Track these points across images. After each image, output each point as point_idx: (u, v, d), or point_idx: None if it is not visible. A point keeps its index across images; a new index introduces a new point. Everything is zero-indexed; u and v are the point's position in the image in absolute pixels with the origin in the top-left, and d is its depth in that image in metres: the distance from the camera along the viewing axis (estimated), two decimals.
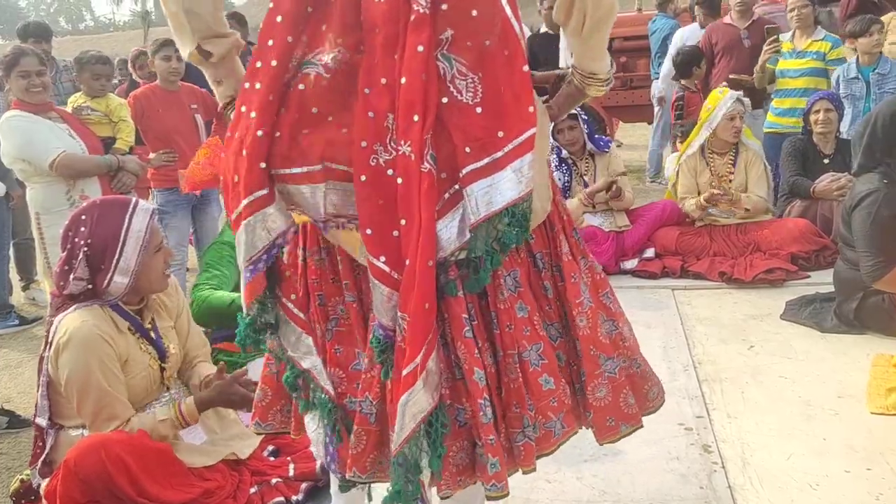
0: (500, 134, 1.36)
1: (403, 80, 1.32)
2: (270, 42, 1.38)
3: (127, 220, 2.19)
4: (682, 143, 5.51)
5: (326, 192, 1.39)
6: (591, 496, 2.27)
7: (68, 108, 4.37)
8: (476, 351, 1.43)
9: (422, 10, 1.31)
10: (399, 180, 1.33)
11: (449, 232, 1.36)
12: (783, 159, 4.65)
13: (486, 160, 1.35)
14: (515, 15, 1.40)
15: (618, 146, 5.43)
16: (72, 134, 3.64)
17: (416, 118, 1.31)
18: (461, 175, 1.35)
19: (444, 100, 1.35)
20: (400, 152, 1.32)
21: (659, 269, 4.30)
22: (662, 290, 4.12)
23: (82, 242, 2.15)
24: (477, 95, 1.36)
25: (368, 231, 1.35)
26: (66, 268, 2.17)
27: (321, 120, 1.38)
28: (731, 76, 5.69)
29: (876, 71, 4.83)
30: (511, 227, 1.37)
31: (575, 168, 4.62)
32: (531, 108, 1.38)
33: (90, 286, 2.18)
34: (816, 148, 4.60)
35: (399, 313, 1.34)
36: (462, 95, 1.36)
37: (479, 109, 1.36)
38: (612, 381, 1.63)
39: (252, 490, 2.29)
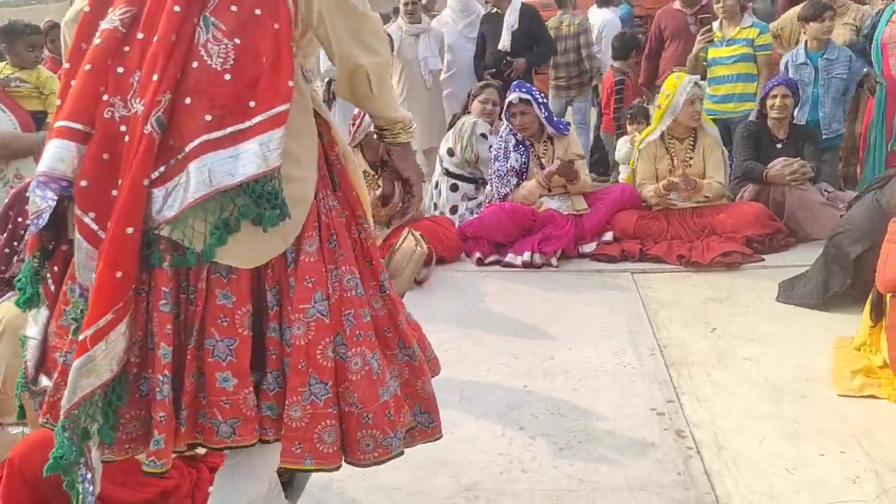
0: (252, 104, 1.35)
1: (156, 39, 1.34)
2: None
3: None
4: (630, 125, 5.51)
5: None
6: (569, 485, 2.20)
7: None
8: (168, 326, 1.38)
9: None
10: (127, 139, 1.33)
11: (161, 203, 1.33)
12: (737, 143, 4.67)
13: (229, 129, 1.33)
14: None
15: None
16: (1, 108, 3.38)
17: (154, 77, 1.32)
18: (194, 144, 1.32)
19: (195, 64, 1.34)
20: (133, 111, 1.33)
21: (618, 252, 4.27)
22: (622, 273, 4.10)
23: (27, 222, 1.97)
24: (227, 62, 1.34)
25: (83, 183, 1.34)
26: (8, 250, 1.99)
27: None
28: (675, 69, 5.72)
29: (824, 56, 4.89)
30: (262, 206, 1.34)
31: (532, 150, 4.55)
32: (290, 83, 1.37)
33: None
34: (770, 132, 4.64)
35: (94, 275, 1.33)
36: (212, 60, 1.34)
37: (227, 76, 1.34)
38: (314, 407, 1.47)
39: (211, 489, 2.14)
